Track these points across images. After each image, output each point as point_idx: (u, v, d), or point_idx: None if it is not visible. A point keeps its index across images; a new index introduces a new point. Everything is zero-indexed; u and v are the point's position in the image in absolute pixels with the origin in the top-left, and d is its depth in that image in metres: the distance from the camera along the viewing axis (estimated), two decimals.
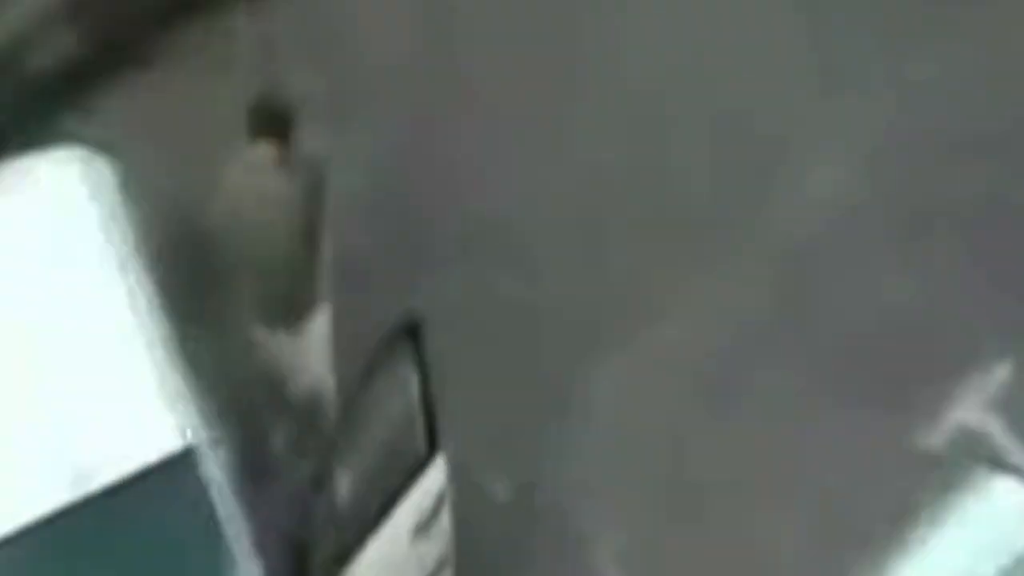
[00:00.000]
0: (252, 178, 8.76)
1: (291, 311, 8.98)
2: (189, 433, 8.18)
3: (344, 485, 8.55)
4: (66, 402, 8.26)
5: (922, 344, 9.45)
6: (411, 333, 8.38)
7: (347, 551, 8.29)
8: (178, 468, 8.12)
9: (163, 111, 10.08)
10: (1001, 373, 9.07)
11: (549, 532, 9.01)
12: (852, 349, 9.38)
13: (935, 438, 8.97)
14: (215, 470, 8.18)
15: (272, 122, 8.77)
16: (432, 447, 8.08)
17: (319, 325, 9.11)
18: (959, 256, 9.62)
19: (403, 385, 8.45)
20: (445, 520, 8.42)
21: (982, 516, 8.80)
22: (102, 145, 8.86)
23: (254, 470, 8.68)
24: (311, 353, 9.11)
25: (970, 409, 9.14)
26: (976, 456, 9.08)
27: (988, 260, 9.73)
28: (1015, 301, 9.53)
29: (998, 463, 9.14)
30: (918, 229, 9.73)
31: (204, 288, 8.87)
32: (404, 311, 8.28)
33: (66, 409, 8.25)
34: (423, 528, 8.42)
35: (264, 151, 8.82)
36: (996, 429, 9.10)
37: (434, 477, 8.19)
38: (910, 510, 8.58)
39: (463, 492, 8.23)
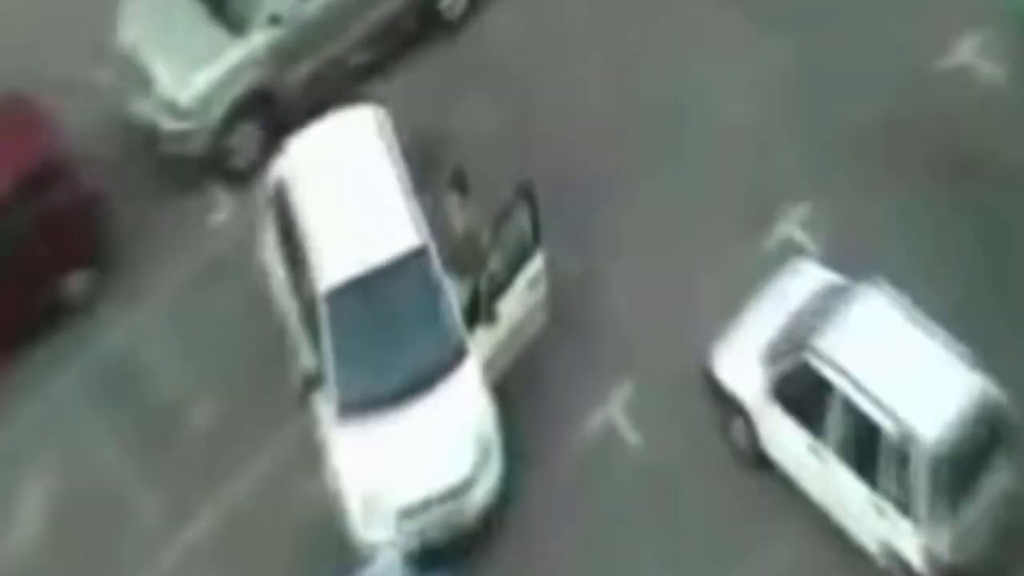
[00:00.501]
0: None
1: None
2: (422, 238, 17.60)
3: (494, 265, 17.73)
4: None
5: (765, 187, 19.01)
6: (525, 194, 17.62)
7: (497, 292, 17.68)
8: (418, 256, 17.45)
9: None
10: (806, 207, 18.80)
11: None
12: (730, 192, 19.01)
13: (771, 243, 18.66)
14: (435, 260, 17.40)
15: (457, 182, 18.27)
16: (536, 243, 17.49)
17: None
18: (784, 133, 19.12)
19: (519, 221, 17.63)
20: (542, 283, 17.71)
21: (794, 288, 18.06)
22: (384, 104, 18.36)
23: (448, 263, 17.86)
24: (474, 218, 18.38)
25: (792, 228, 18.73)
26: (793, 253, 18.33)
27: (803, 131, 19.26)
28: (816, 160, 18.96)
29: (805, 257, 18.38)
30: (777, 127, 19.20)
31: (429, 179, 17.95)
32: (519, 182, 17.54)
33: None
34: (532, 284, 17.83)
35: (453, 199, 18.42)
36: (805, 240, 18.38)
37: (537, 260, 17.70)
38: (755, 286, 17.81)
39: (552, 270, 17.64)
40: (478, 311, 17.96)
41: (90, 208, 19.54)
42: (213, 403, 18.85)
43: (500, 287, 18.09)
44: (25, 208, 18.87)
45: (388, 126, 18.42)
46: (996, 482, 17.58)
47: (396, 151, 18.21)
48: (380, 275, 17.70)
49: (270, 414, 18.64)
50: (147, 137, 20.14)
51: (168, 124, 19.54)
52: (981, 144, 19.69)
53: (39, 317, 19.42)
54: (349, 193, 17.98)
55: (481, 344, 17.85)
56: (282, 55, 19.68)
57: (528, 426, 18.52)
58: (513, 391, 18.49)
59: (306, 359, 17.91)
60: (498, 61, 20.66)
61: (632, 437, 18.43)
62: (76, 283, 19.50)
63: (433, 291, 17.77)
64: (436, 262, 17.82)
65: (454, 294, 17.89)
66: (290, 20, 19.48)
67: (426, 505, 17.46)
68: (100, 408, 19.00)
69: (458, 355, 17.62)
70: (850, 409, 17.45)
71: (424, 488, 17.42)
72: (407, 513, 17.42)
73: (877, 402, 17.34)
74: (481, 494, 17.70)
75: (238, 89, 19.49)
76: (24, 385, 19.18)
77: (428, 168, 18.56)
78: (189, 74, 19.47)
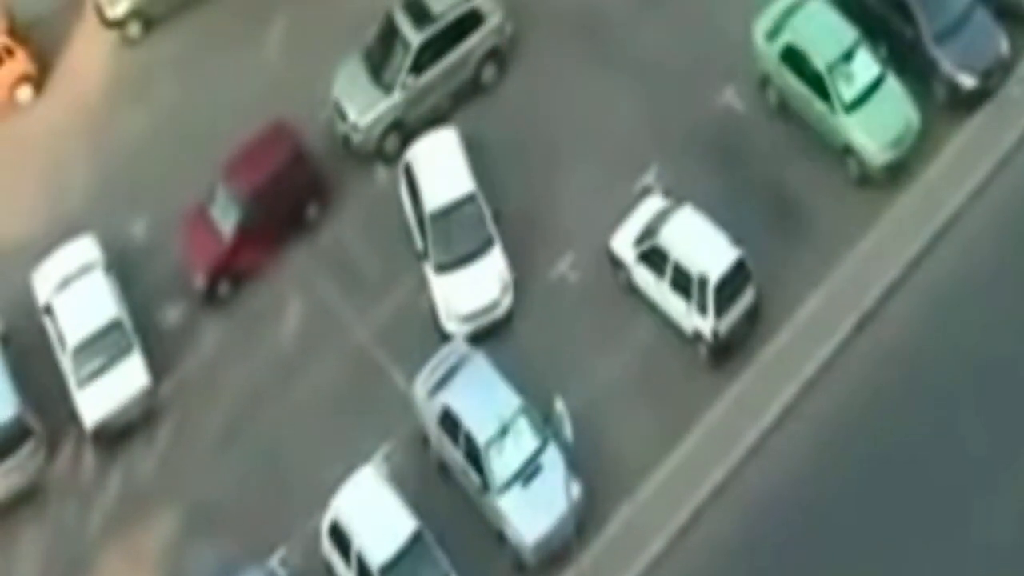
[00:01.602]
0: None
1: None
2: (473, 186, 36.27)
3: None
4: None
5: (622, 147, 37.98)
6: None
7: None
8: (471, 197, 36.63)
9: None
10: (656, 167, 37.80)
11: None
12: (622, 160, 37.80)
13: (638, 185, 37.68)
14: (481, 198, 36.34)
15: None
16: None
17: None
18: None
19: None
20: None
21: (647, 207, 36.62)
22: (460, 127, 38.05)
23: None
24: None
25: (648, 177, 37.76)
26: (648, 191, 37.04)
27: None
28: (658, 146, 37.85)
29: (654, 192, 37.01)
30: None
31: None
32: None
33: None
34: None
35: None
36: (655, 184, 37.13)
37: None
38: (631, 206, 36.68)
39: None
40: None
41: (316, 175, 38.05)
42: (382, 264, 37.33)
43: None
44: (287, 176, 37.45)
45: (456, 136, 37.40)
46: (747, 297, 35.35)
47: (462, 149, 37.12)
48: (453, 205, 36.46)
49: (407, 262, 37.13)
50: (343, 142, 38.80)
51: (354, 136, 38.46)
52: (742, 143, 37.94)
53: (297, 228, 38.04)
54: (439, 166, 36.81)
55: None
56: (409, 103, 38.33)
57: (525, 274, 37.01)
58: (513, 256, 36.82)
59: (418, 244, 36.88)
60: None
61: (572, 277, 37.09)
62: (311, 211, 38.11)
63: (478, 212, 36.40)
64: (480, 199, 36.58)
65: (489, 213, 36.53)
66: (412, 86, 38.19)
67: (472, 314, 36.19)
68: (328, 276, 37.44)
69: (489, 243, 36.47)
70: (677, 266, 35.05)
71: (473, 304, 36.20)
72: (464, 318, 36.18)
73: (688, 258, 34.85)
74: (502, 309, 36.44)
75: (386, 120, 38.30)
76: (282, 267, 37.90)
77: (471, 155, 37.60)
78: (363, 113, 38.12)
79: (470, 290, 36.44)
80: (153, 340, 37.00)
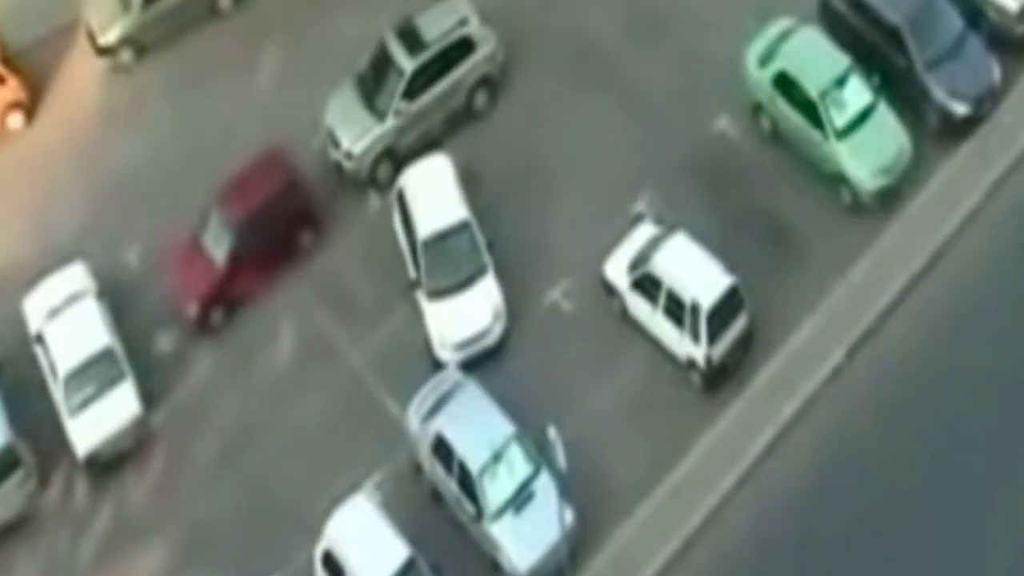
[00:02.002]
0: None
1: None
2: (467, 214, 36.34)
3: None
4: None
5: (615, 174, 38.13)
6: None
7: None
8: (465, 224, 36.38)
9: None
10: (648, 193, 37.84)
11: None
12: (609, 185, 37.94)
13: (629, 213, 37.59)
14: (474, 224, 36.32)
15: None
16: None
17: None
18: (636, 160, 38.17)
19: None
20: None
21: (640, 234, 36.65)
22: (452, 153, 37.94)
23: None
24: None
25: (640, 204, 37.87)
26: (641, 218, 37.30)
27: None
28: (651, 174, 37.94)
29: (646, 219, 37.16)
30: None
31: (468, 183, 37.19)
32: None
33: None
34: None
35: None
36: (647, 211, 37.49)
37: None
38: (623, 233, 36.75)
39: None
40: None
41: (310, 202, 38.03)
42: (376, 291, 37.29)
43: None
44: (280, 203, 37.40)
45: (452, 164, 37.41)
46: (740, 324, 35.42)
47: (455, 175, 37.14)
48: (447, 233, 36.43)
49: (400, 290, 37.01)
50: (336, 169, 38.82)
51: (347, 164, 38.49)
52: (735, 170, 38.10)
53: (290, 256, 38.04)
54: (432, 193, 36.82)
55: None
56: (401, 130, 38.41)
57: (517, 302, 37.11)
58: (506, 283, 36.80)
59: (411, 272, 36.86)
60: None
61: (566, 305, 37.11)
62: (305, 238, 38.12)
63: (471, 240, 36.43)
64: (474, 226, 36.52)
65: (482, 239, 36.48)
66: (405, 113, 38.27)
67: (465, 342, 36.16)
68: (321, 303, 37.39)
69: (483, 270, 36.47)
70: (670, 293, 35.19)
71: (465, 331, 36.19)
72: (457, 345, 36.15)
73: (681, 285, 35.00)
74: (494, 337, 36.45)
75: (379, 147, 38.37)
76: (276, 294, 37.90)
77: (467, 179, 37.64)
78: (356, 140, 38.21)
79: (462, 318, 36.48)
80: (145, 368, 36.98)
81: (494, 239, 37.23)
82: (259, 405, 36.76)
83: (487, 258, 36.88)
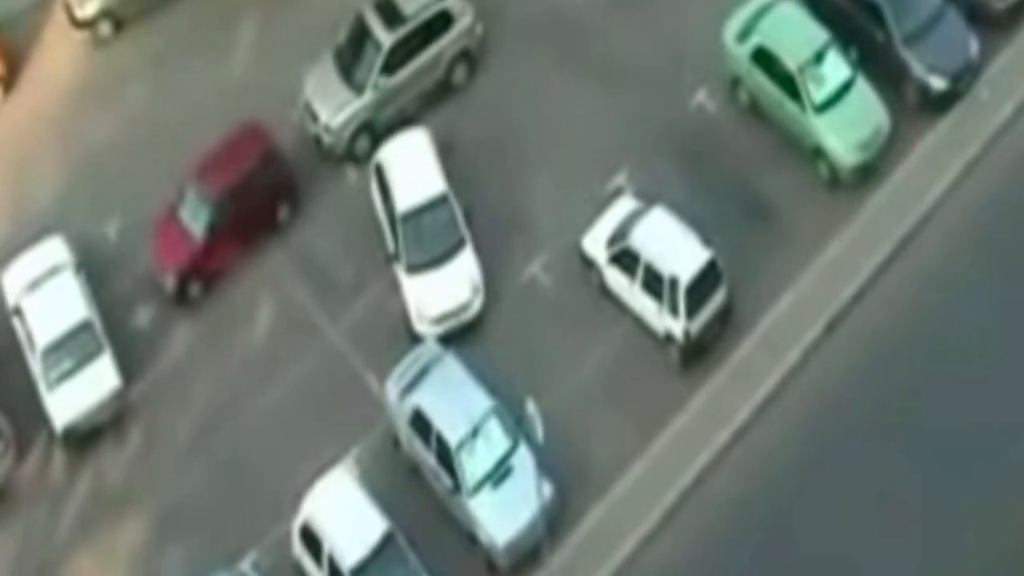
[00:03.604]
0: None
1: None
2: (445, 187, 36.34)
3: None
4: None
5: (593, 148, 38.26)
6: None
7: None
8: (443, 197, 36.43)
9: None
10: (627, 170, 38.01)
11: None
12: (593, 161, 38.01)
13: (610, 186, 37.74)
14: (452, 198, 36.34)
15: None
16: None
17: None
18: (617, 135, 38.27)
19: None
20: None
21: (620, 208, 36.74)
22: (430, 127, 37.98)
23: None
24: None
25: (620, 179, 37.92)
26: (619, 193, 37.40)
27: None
28: (630, 149, 38.01)
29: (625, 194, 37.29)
30: None
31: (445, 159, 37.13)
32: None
33: None
34: None
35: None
36: (626, 186, 37.45)
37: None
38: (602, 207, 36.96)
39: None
40: None
41: (288, 176, 37.96)
42: (354, 265, 37.25)
43: None
44: (258, 176, 37.32)
45: (430, 138, 37.37)
46: (718, 298, 35.39)
47: (433, 149, 37.08)
48: (425, 206, 36.42)
49: (378, 263, 36.99)
50: (315, 142, 38.79)
51: (325, 138, 38.37)
52: (714, 144, 38.12)
53: (267, 229, 37.90)
54: (410, 167, 36.78)
55: None
56: (380, 104, 38.34)
57: (496, 276, 37.06)
58: (485, 257, 36.73)
59: (390, 246, 36.79)
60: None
61: (545, 278, 37.15)
62: (282, 212, 38.04)
63: (449, 213, 36.42)
64: (452, 200, 36.51)
65: (461, 213, 36.50)
66: (383, 87, 38.19)
67: (444, 316, 36.15)
68: (299, 277, 37.43)
69: (461, 244, 36.42)
70: (648, 267, 35.12)
71: (443, 306, 36.16)
72: (435, 319, 36.15)
73: (659, 260, 34.93)
74: (472, 311, 36.42)
75: (357, 121, 38.33)
76: (253, 268, 37.79)
77: (444, 153, 37.60)
78: (334, 114, 38.14)
79: (441, 292, 36.50)
80: (123, 342, 36.99)
81: (471, 210, 37.19)
82: (237, 379, 36.77)
83: (465, 232, 36.85)
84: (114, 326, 37.04)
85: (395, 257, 36.90)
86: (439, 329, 36.38)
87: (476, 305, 36.69)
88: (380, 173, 37.42)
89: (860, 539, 34.15)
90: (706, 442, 35.17)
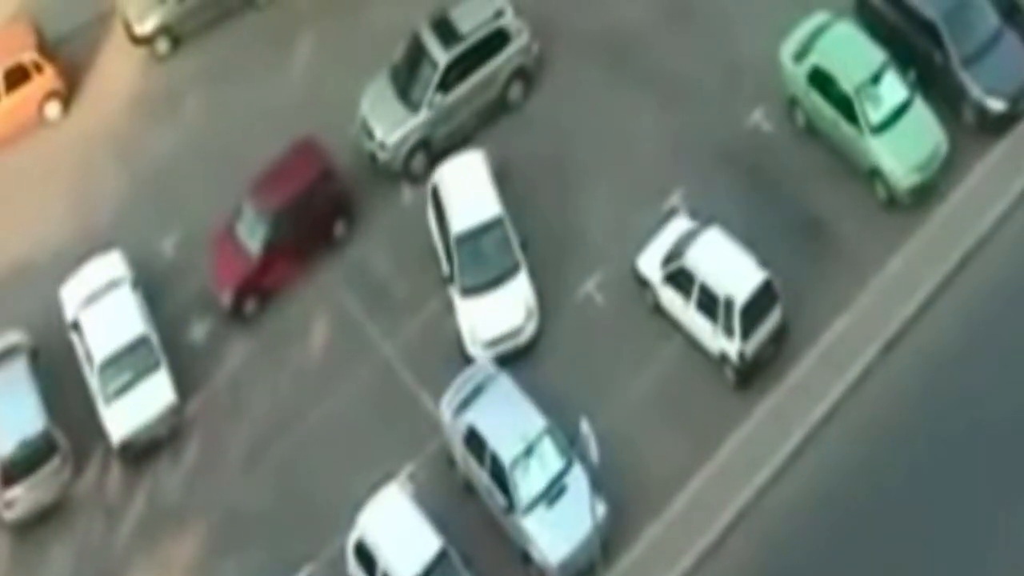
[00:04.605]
0: None
1: None
2: (500, 210, 36.47)
3: None
4: None
5: (649, 167, 38.42)
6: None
7: None
8: (498, 220, 36.66)
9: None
10: (682, 189, 38.04)
11: None
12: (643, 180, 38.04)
13: (663, 207, 37.75)
14: (507, 221, 36.45)
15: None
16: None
17: None
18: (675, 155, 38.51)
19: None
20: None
21: (674, 228, 36.85)
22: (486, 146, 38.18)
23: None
24: None
25: (674, 200, 38.07)
26: (675, 213, 37.60)
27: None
28: (685, 168, 38.20)
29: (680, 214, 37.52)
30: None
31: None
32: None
33: None
34: None
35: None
36: (681, 205, 37.63)
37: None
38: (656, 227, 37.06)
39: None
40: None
41: (344, 193, 38.02)
42: (409, 283, 37.42)
43: None
44: (315, 193, 37.43)
45: (484, 158, 37.41)
46: (773, 319, 35.30)
47: (488, 171, 37.13)
48: (480, 229, 36.43)
49: (433, 283, 37.15)
50: (371, 160, 38.87)
51: (381, 155, 38.58)
52: (770, 164, 38.00)
53: (323, 246, 38.09)
54: (466, 189, 36.83)
55: None
56: (435, 122, 38.46)
57: (551, 297, 37.10)
58: (539, 280, 36.90)
59: (445, 268, 36.77)
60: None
61: (599, 298, 37.13)
62: (338, 228, 38.15)
63: (505, 237, 36.40)
64: (508, 223, 36.44)
65: (516, 239, 36.49)
66: (439, 105, 38.32)
67: (497, 340, 36.05)
68: (354, 295, 37.45)
69: (516, 267, 36.41)
70: (703, 287, 35.13)
71: (496, 330, 36.11)
72: (489, 343, 36.06)
73: (714, 280, 34.96)
74: (526, 335, 36.36)
75: (413, 139, 38.45)
76: (309, 284, 37.98)
77: (500, 177, 37.79)
78: (390, 132, 38.27)
79: (495, 316, 36.55)
80: (180, 357, 37.20)
81: (529, 238, 37.29)
82: (292, 395, 36.91)
83: (520, 256, 36.84)
84: (170, 341, 37.28)
85: (450, 279, 36.94)
86: (492, 352, 36.39)
87: (530, 330, 36.72)
88: (436, 195, 37.53)
89: (926, 550, 33.94)
90: (761, 462, 35.10)
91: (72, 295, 37.61)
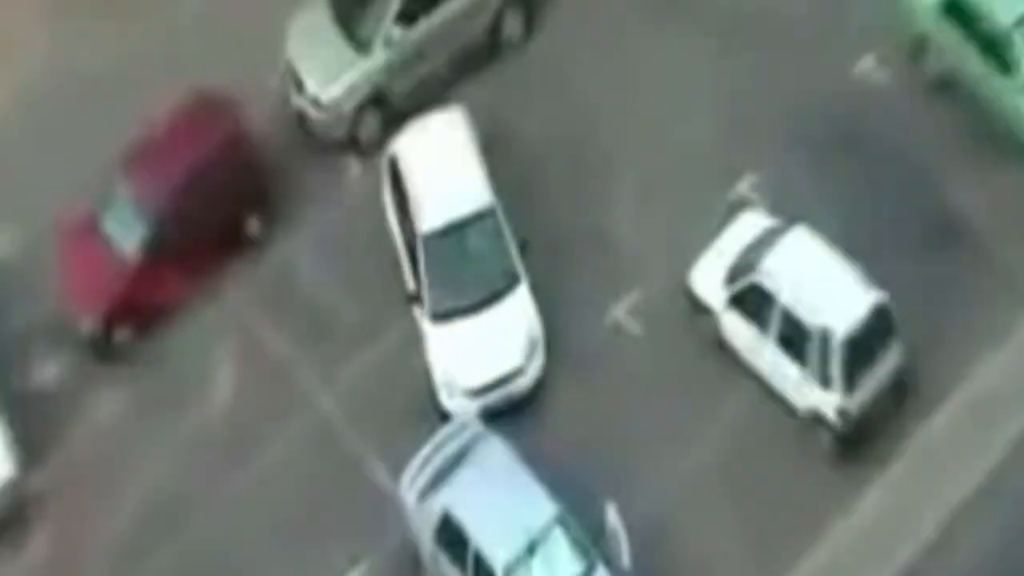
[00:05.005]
0: None
1: None
2: (491, 200, 26.73)
3: None
4: None
5: (705, 143, 29.97)
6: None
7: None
8: (488, 212, 27.59)
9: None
10: (756, 175, 29.38)
11: None
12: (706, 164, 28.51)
13: (726, 198, 29.10)
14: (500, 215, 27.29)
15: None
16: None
17: None
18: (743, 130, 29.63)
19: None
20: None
21: (744, 229, 28.48)
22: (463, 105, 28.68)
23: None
24: None
25: (742, 189, 29.50)
26: (744, 207, 28.14)
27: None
28: (758, 142, 29.66)
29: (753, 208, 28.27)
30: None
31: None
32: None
33: None
34: None
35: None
36: (754, 197, 28.38)
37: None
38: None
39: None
40: None
41: (259, 173, 29.86)
42: (357, 303, 29.57)
43: None
44: (216, 172, 29.28)
45: (466, 121, 29.13)
46: (889, 361, 27.59)
47: (471, 139, 28.65)
48: (461, 224, 28.23)
49: (391, 304, 29.43)
50: (299, 122, 30.83)
51: (315, 115, 30.33)
52: (883, 135, 30.48)
53: (231, 248, 30.06)
54: (439, 167, 28.48)
55: None
56: (394, 68, 30.22)
57: (563, 325, 29.33)
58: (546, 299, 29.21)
59: (409, 281, 28.84)
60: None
61: (633, 328, 29.41)
62: (252, 225, 30.10)
63: (497, 236, 28.36)
64: (501, 216, 28.45)
65: (511, 238, 28.51)
66: (400, 43, 29.72)
67: (484, 388, 28.18)
68: (277, 321, 29.88)
69: (513, 282, 28.40)
70: (786, 313, 27.44)
71: (486, 373, 28.12)
72: (473, 392, 28.15)
73: (802, 303, 27.35)
74: (527, 379, 28.40)
75: (362, 92, 30.30)
76: (210, 306, 30.05)
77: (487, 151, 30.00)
78: (328, 82, 29.96)
79: (482, 352, 28.64)
80: (22, 409, 30.61)
81: (530, 239, 29.31)
82: (184, 466, 30.28)
83: (519, 265, 28.64)
84: (7, 387, 30.74)
85: (416, 298, 28.58)
86: (477, 404, 28.41)
87: (532, 370, 28.75)
88: (395, 174, 29.46)
89: None
90: (873, 565, 28.29)
91: None
